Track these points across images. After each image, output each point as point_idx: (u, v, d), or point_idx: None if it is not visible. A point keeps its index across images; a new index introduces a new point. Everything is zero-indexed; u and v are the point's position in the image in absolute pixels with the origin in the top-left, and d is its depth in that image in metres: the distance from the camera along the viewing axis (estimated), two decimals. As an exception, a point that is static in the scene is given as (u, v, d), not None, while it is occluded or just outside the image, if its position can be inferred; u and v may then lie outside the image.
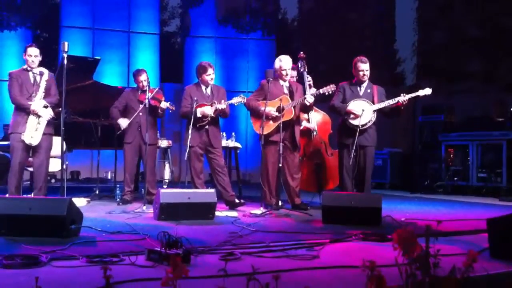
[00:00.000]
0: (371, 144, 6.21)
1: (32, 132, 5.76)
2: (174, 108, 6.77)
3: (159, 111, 6.68)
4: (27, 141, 5.74)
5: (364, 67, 6.20)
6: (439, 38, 12.32)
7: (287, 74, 6.29)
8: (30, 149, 5.88)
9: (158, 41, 12.27)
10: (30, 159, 6.12)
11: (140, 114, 6.60)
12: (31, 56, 5.85)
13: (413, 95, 6.03)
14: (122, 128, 6.66)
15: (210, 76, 6.37)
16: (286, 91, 6.30)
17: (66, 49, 5.46)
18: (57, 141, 6.41)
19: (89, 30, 11.60)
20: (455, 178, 9.53)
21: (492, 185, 8.92)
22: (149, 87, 6.32)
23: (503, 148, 8.86)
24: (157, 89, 6.72)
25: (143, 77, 6.73)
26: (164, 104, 6.62)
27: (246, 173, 11.73)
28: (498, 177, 8.91)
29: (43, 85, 5.87)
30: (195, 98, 6.21)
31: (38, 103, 5.78)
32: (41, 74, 5.89)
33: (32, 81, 5.88)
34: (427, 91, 6.01)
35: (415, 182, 10.00)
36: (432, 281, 2.10)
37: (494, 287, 2.82)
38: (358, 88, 6.26)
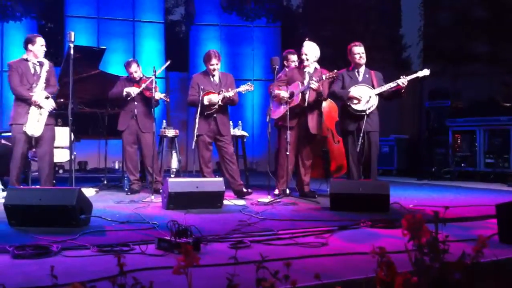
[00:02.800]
0: (375, 129, 6.20)
1: (34, 123, 5.74)
2: (168, 100, 6.81)
3: (153, 101, 6.66)
4: (29, 133, 5.72)
5: (359, 50, 6.22)
6: (445, 21, 12.21)
7: (307, 60, 6.23)
8: (32, 140, 5.86)
9: (163, 29, 12.25)
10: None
11: (136, 103, 6.64)
12: (43, 46, 5.87)
13: (412, 76, 6.07)
14: (133, 95, 6.61)
15: (213, 66, 6.33)
16: (306, 77, 6.22)
17: (72, 39, 5.45)
18: (65, 132, 6.44)
19: (94, 20, 11.60)
20: (462, 164, 9.52)
21: (499, 170, 8.90)
22: (155, 76, 6.31)
23: (511, 133, 8.83)
24: (151, 78, 6.70)
25: (132, 68, 6.77)
26: (158, 95, 6.60)
27: (253, 162, 11.75)
28: (505, 163, 8.89)
29: (43, 75, 5.85)
30: (202, 87, 6.21)
31: (39, 94, 5.77)
32: (41, 64, 5.87)
33: (32, 71, 5.86)
34: (425, 72, 6.08)
35: (422, 169, 9.99)
36: (442, 266, 2.10)
37: (504, 272, 2.82)
38: (356, 74, 6.27)
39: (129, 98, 6.67)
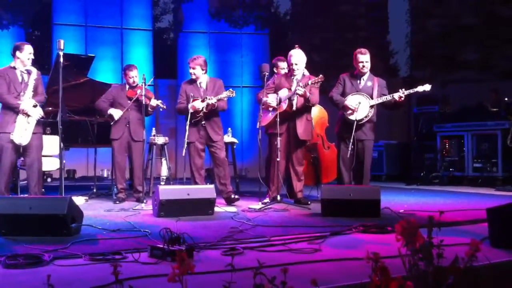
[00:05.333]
0: (369, 138, 6.22)
1: (22, 132, 5.69)
2: (165, 107, 6.75)
3: (149, 108, 6.63)
4: (17, 141, 5.67)
5: (363, 59, 6.19)
6: (433, 27, 12.32)
7: (297, 68, 6.21)
8: (20, 149, 5.81)
9: (151, 37, 12.25)
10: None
11: (129, 110, 6.58)
12: (31, 54, 5.81)
13: (411, 91, 6.04)
14: (115, 119, 6.55)
15: (190, 70, 6.38)
16: (294, 84, 6.18)
17: (62, 47, 5.41)
18: (54, 140, 6.39)
19: (82, 27, 11.57)
20: (450, 169, 9.58)
21: (487, 175, 8.97)
22: (145, 83, 6.30)
23: (498, 138, 8.92)
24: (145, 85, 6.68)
25: (134, 73, 6.68)
26: (155, 102, 6.59)
27: (243, 168, 11.76)
28: (493, 167, 8.96)
29: (31, 84, 5.81)
30: (191, 94, 6.22)
31: (27, 102, 5.72)
32: (29, 72, 5.82)
33: (20, 79, 5.81)
34: (426, 87, 6.02)
35: (411, 174, 10.05)
36: (436, 271, 2.11)
37: (497, 276, 2.84)
38: (358, 81, 6.26)
39: (112, 123, 6.61)
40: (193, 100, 6.23)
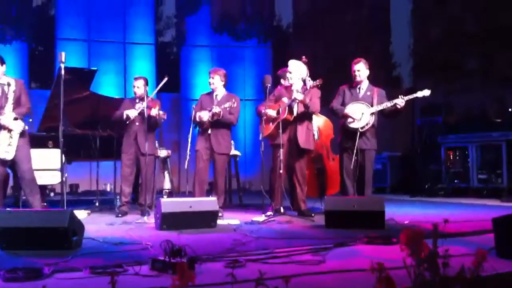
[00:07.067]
0: (371, 147, 6.17)
1: (5, 146, 5.60)
2: (165, 117, 6.70)
3: (152, 119, 6.56)
4: (1, 156, 5.59)
5: (355, 68, 6.21)
6: (435, 37, 12.31)
7: (291, 78, 6.25)
8: (7, 163, 5.76)
9: (154, 51, 12.28)
10: None
11: (137, 123, 6.53)
12: None
13: (411, 96, 6.00)
14: (131, 117, 6.44)
15: (209, 79, 6.47)
16: (294, 94, 6.12)
17: (63, 60, 5.41)
18: (56, 154, 6.37)
19: (85, 42, 11.61)
20: (455, 180, 9.53)
21: (492, 186, 8.92)
22: (147, 95, 6.28)
23: (503, 148, 8.87)
24: (151, 98, 6.63)
25: (138, 83, 6.67)
26: (154, 111, 6.51)
27: (246, 181, 11.70)
28: (498, 178, 8.91)
29: (11, 96, 5.66)
30: (195, 106, 6.29)
31: (7, 116, 5.60)
32: (9, 84, 5.68)
33: (0, 93, 5.69)
34: (426, 92, 5.98)
35: (416, 185, 9.99)
36: (442, 281, 2.08)
37: (504, 286, 2.79)
38: (358, 90, 6.25)
39: (127, 122, 6.53)
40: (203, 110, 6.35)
